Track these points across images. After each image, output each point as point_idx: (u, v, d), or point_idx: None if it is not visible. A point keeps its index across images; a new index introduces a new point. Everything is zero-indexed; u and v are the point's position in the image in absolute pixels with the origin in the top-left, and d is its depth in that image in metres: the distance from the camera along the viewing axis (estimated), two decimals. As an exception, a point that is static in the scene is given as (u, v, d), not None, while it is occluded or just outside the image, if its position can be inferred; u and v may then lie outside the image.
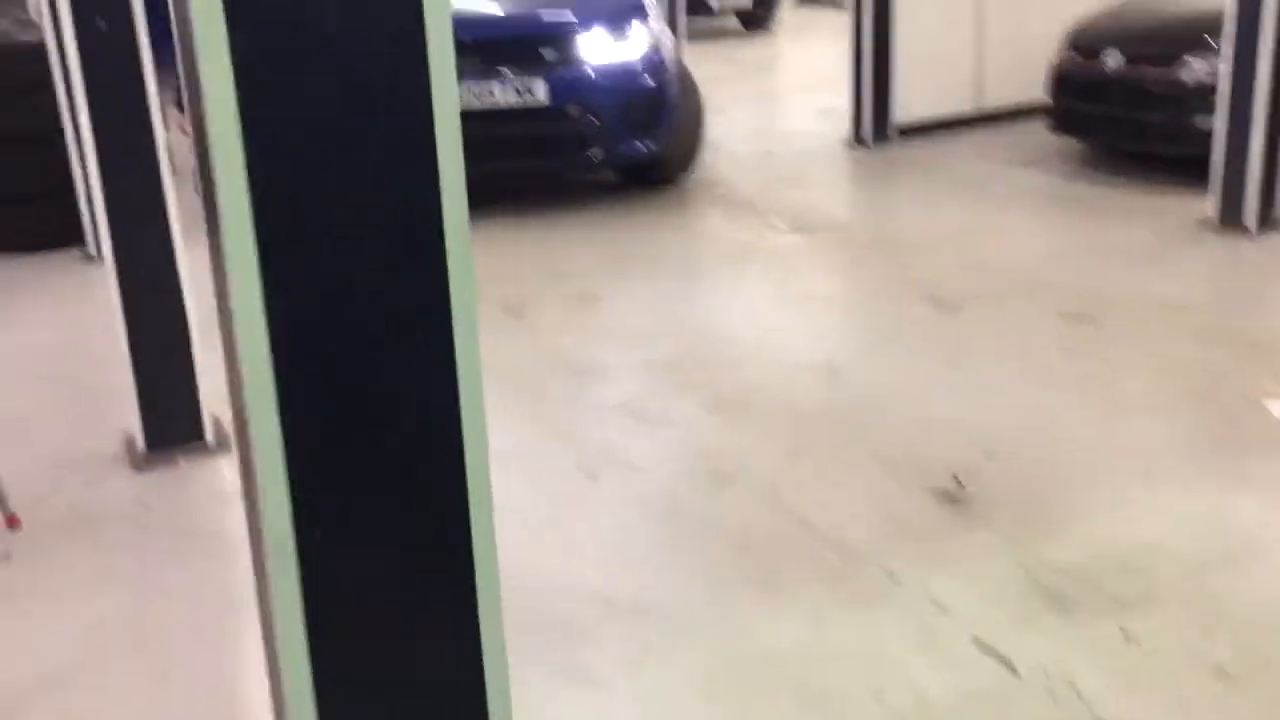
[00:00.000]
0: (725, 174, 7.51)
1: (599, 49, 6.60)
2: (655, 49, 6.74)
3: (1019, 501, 3.38)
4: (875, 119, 7.97)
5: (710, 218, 6.52)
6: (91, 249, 6.19)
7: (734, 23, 15.51)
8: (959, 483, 3.46)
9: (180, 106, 6.46)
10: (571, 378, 4.41)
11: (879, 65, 7.88)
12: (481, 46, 6.48)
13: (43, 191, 6.20)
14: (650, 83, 6.68)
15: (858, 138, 8.03)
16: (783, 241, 5.97)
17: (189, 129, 1.31)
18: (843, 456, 3.68)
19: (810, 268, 5.62)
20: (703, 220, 6.50)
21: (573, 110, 6.47)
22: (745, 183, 7.24)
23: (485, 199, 7.35)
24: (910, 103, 8.02)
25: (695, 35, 14.31)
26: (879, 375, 4.31)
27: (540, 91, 6.40)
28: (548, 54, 6.52)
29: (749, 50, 13.77)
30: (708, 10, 14.39)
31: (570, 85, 6.45)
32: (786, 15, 15.74)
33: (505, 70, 6.40)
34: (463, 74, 5.83)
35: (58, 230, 6.23)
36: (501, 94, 6.38)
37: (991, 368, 4.30)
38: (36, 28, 7.73)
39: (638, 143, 6.65)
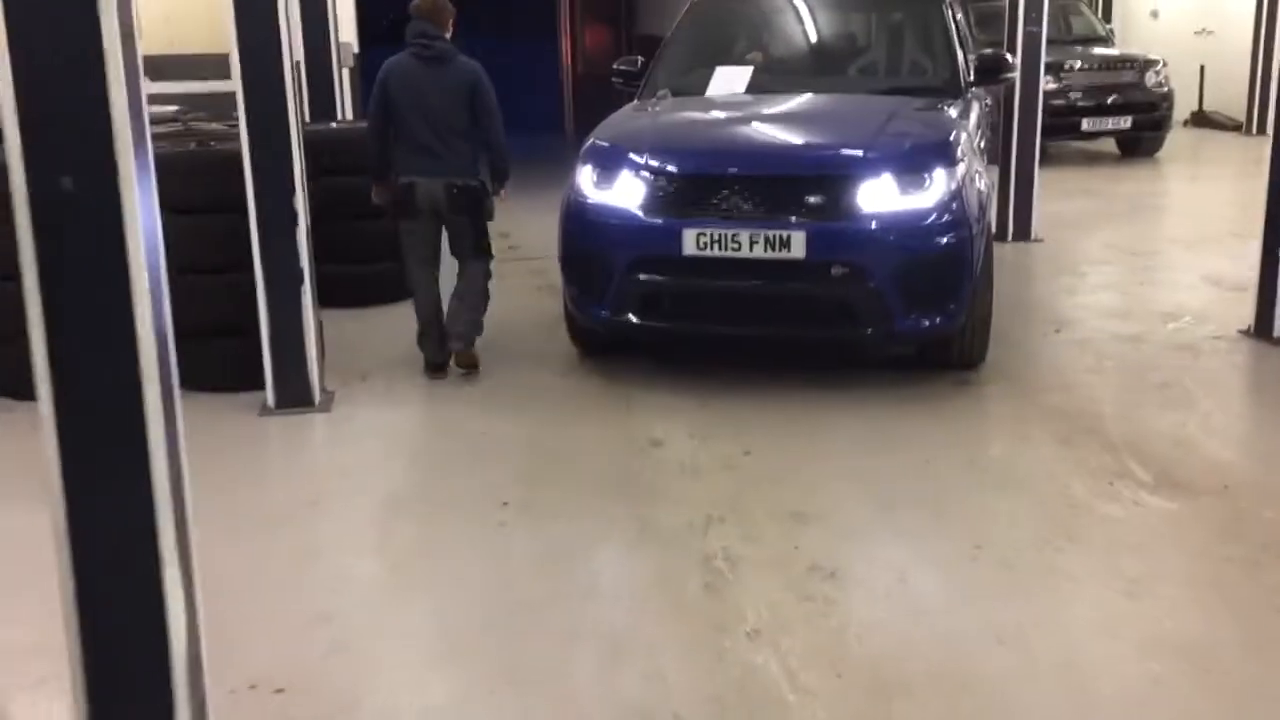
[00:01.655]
0: (1068, 370, 5.59)
1: (881, 197, 5.05)
2: (955, 197, 5.10)
3: None
4: (1292, 306, 5.81)
5: (1033, 445, 4.66)
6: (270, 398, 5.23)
7: (1109, 146, 13.29)
8: None
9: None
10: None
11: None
12: (729, 183, 5.16)
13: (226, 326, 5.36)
14: (945, 242, 5.07)
15: (1264, 330, 5.89)
16: (1140, 510, 4.04)
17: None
18: None
19: (1181, 572, 3.66)
20: (1021, 448, 4.65)
21: (838, 271, 5.02)
22: (1094, 388, 5.31)
23: (722, 370, 5.64)
24: (1347, 288, 5.81)
25: (1060, 160, 12.28)
26: None
27: (798, 245, 4.99)
28: (814, 199, 5.07)
29: (1124, 182, 11.55)
30: (1077, 131, 12.30)
31: (837, 239, 5.03)
32: (1174, 137, 13.31)
33: (757, 214, 5.05)
34: (702, 215, 5.10)
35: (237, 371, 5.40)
36: (749, 244, 5.01)
37: None
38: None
39: (923, 318, 5.11)
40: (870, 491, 4.24)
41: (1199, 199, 10.89)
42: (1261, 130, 14.51)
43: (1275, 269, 5.80)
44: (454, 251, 5.71)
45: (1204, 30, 15.53)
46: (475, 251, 5.64)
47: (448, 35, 5.53)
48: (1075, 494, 4.16)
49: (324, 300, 5.60)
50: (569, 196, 5.63)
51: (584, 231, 5.49)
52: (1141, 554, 3.72)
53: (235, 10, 4.81)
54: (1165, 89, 12.65)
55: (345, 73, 9.32)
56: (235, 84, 4.89)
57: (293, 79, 4.95)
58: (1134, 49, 14.00)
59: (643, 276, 5.24)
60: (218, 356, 5.41)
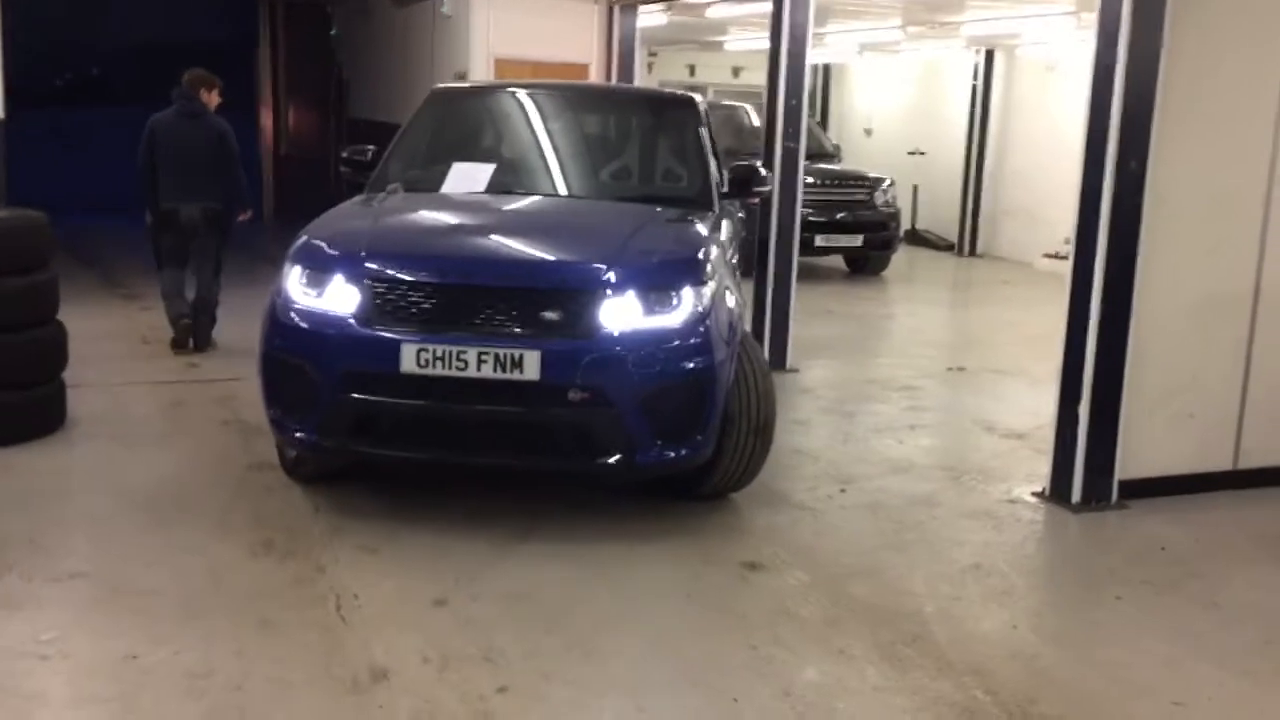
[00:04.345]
0: (867, 545, 4.79)
1: (624, 315, 4.52)
2: (704, 319, 4.62)
3: None
4: (1090, 468, 5.28)
5: (855, 664, 3.75)
6: None
7: (837, 262, 13.17)
8: None
9: None
10: None
11: (1105, 385, 5.22)
12: (455, 293, 4.54)
13: None
14: (692, 367, 4.57)
15: (1062, 494, 5.33)
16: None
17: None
18: None
19: None
20: (843, 671, 3.71)
21: (576, 395, 4.44)
22: (902, 572, 4.51)
23: (461, 531, 4.59)
24: (1143, 448, 5.36)
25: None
26: None
27: (531, 365, 4.40)
28: (550, 315, 4.49)
29: (858, 303, 11.32)
30: (810, 248, 12.00)
31: (575, 360, 4.46)
32: (895, 255, 13.33)
33: (487, 330, 4.46)
34: (425, 328, 4.47)
35: None
36: (477, 362, 4.40)
37: None
38: None
39: (668, 449, 4.57)
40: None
41: (934, 324, 10.74)
42: (973, 252, 14.95)
43: (1074, 428, 5.26)
44: (195, 269, 7.64)
45: (916, 150, 15.92)
46: (214, 271, 7.68)
47: (203, 99, 7.64)
48: (927, 747, 3.27)
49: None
50: (273, 300, 4.78)
51: (288, 342, 4.73)
52: None
53: None
54: (893, 209, 12.66)
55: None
56: None
57: None
58: (851, 166, 14.06)
59: (355, 395, 4.54)
60: None
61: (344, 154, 6.17)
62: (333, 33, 15.79)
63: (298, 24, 16.11)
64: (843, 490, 5.44)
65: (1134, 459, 5.33)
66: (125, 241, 11.88)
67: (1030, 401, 7.08)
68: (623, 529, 4.79)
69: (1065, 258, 5.41)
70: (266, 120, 16.72)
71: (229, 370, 7.04)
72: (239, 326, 7.24)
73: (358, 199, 5.67)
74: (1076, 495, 5.29)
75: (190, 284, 7.71)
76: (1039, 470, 5.56)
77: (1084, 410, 5.23)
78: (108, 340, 7.91)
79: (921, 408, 7.13)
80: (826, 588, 4.32)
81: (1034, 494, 5.44)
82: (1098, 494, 5.30)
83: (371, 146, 6.10)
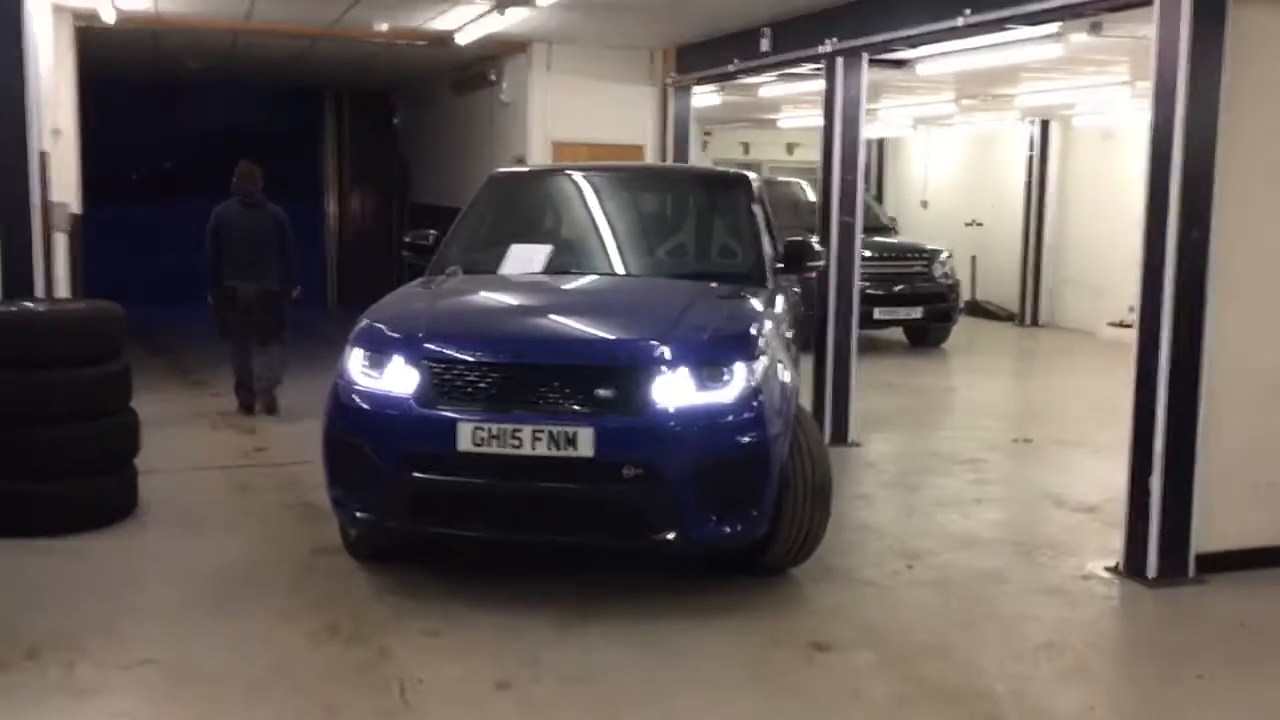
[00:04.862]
0: (936, 623, 4.70)
1: (677, 392, 4.56)
2: (756, 393, 4.64)
3: None
4: (1165, 543, 5.14)
5: (928, 743, 3.67)
6: None
7: (897, 335, 13.09)
8: None
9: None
10: None
11: (1177, 457, 5.10)
12: (509, 372, 4.62)
13: None
14: (745, 442, 4.59)
15: (1136, 569, 5.20)
16: None
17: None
18: None
19: None
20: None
21: (630, 472, 4.48)
22: (973, 651, 4.40)
23: (510, 589, 4.74)
24: (1220, 520, 5.21)
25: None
26: None
27: (585, 442, 4.45)
28: (603, 393, 4.54)
29: (919, 375, 11.22)
30: (869, 321, 11.97)
31: (629, 437, 4.52)
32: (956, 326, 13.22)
33: (541, 408, 4.53)
34: (480, 407, 4.56)
35: None
36: (531, 440, 4.47)
37: None
38: None
39: (723, 524, 4.60)
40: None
41: (996, 396, 10.61)
42: (1035, 322, 14.79)
43: (1147, 502, 5.14)
44: (259, 339, 8.34)
45: (974, 221, 15.87)
46: (275, 339, 8.38)
47: (259, 187, 8.45)
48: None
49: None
50: (336, 382, 4.90)
51: (350, 422, 4.80)
52: None
53: None
54: (951, 280, 12.61)
55: (61, 238, 7.83)
56: None
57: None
58: (908, 238, 14.04)
59: (414, 474, 4.62)
60: None
61: (406, 238, 6.33)
62: (395, 121, 16.20)
63: (361, 113, 16.55)
64: (909, 566, 5.35)
65: (1211, 532, 5.19)
66: (195, 331, 12.14)
67: (1099, 473, 6.94)
68: (684, 607, 4.74)
69: (1130, 326, 5.34)
70: (331, 207, 17.12)
71: (295, 453, 7.13)
72: (305, 408, 7.35)
73: (418, 281, 5.80)
74: (1152, 570, 5.15)
75: (256, 360, 8.42)
76: (1111, 544, 5.44)
77: (1156, 483, 5.11)
78: (177, 426, 8.07)
79: (987, 481, 7.01)
80: (896, 667, 4.23)
81: (1107, 569, 5.31)
82: (1174, 569, 5.15)
83: (433, 230, 6.25)
